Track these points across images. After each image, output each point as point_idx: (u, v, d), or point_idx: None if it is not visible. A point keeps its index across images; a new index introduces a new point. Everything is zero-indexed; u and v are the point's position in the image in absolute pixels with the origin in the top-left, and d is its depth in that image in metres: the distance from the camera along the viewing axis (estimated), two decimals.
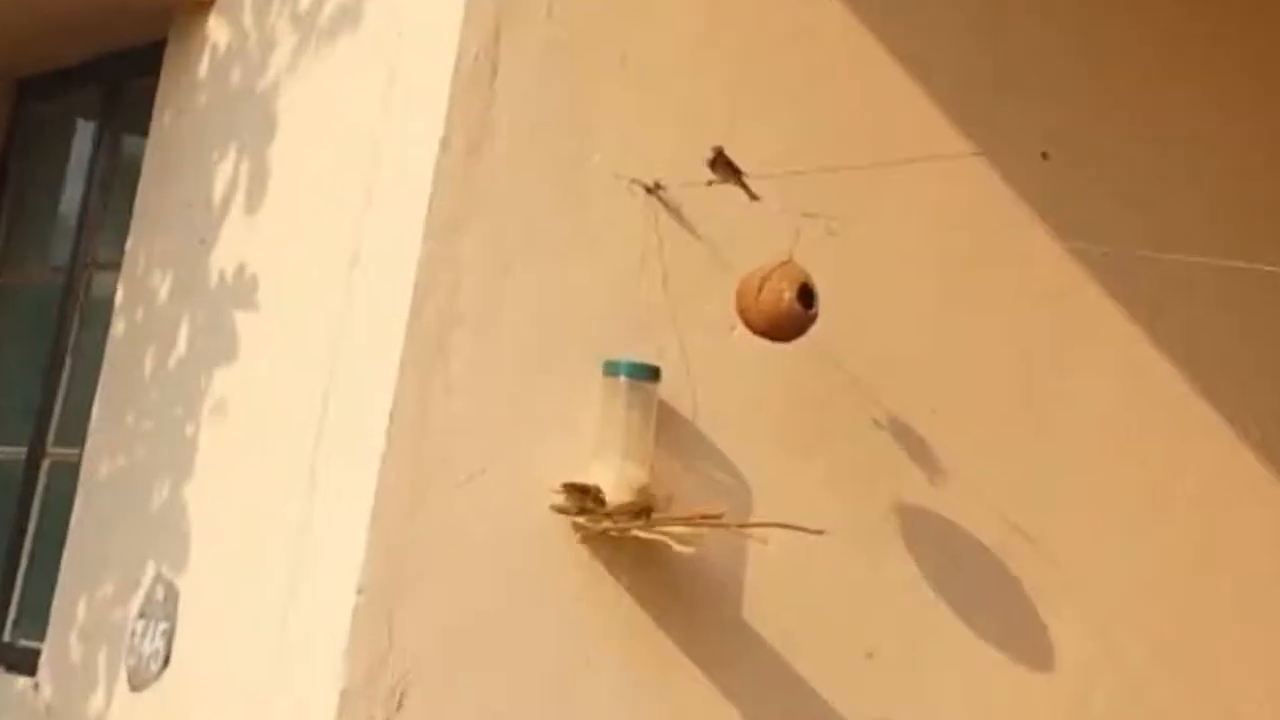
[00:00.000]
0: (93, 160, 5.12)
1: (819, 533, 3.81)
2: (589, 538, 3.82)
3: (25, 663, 4.60)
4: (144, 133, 4.68)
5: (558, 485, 3.78)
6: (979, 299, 4.32)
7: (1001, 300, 4.35)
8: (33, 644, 4.62)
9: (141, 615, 4.17)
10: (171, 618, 4.09)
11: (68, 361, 4.95)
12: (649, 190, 3.92)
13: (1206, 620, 4.56)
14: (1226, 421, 4.57)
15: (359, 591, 3.65)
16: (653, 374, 3.86)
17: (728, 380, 3.99)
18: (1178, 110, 4.59)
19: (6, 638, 4.88)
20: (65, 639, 4.43)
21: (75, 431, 4.70)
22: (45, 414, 4.96)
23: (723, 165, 3.77)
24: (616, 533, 3.80)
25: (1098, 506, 4.45)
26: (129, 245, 4.62)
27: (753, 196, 3.80)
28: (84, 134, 5.24)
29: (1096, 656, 4.39)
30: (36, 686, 4.48)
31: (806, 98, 4.13)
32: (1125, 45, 4.55)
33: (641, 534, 3.79)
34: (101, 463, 4.52)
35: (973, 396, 4.31)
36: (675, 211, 3.95)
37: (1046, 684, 4.34)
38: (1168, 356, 4.51)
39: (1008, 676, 4.29)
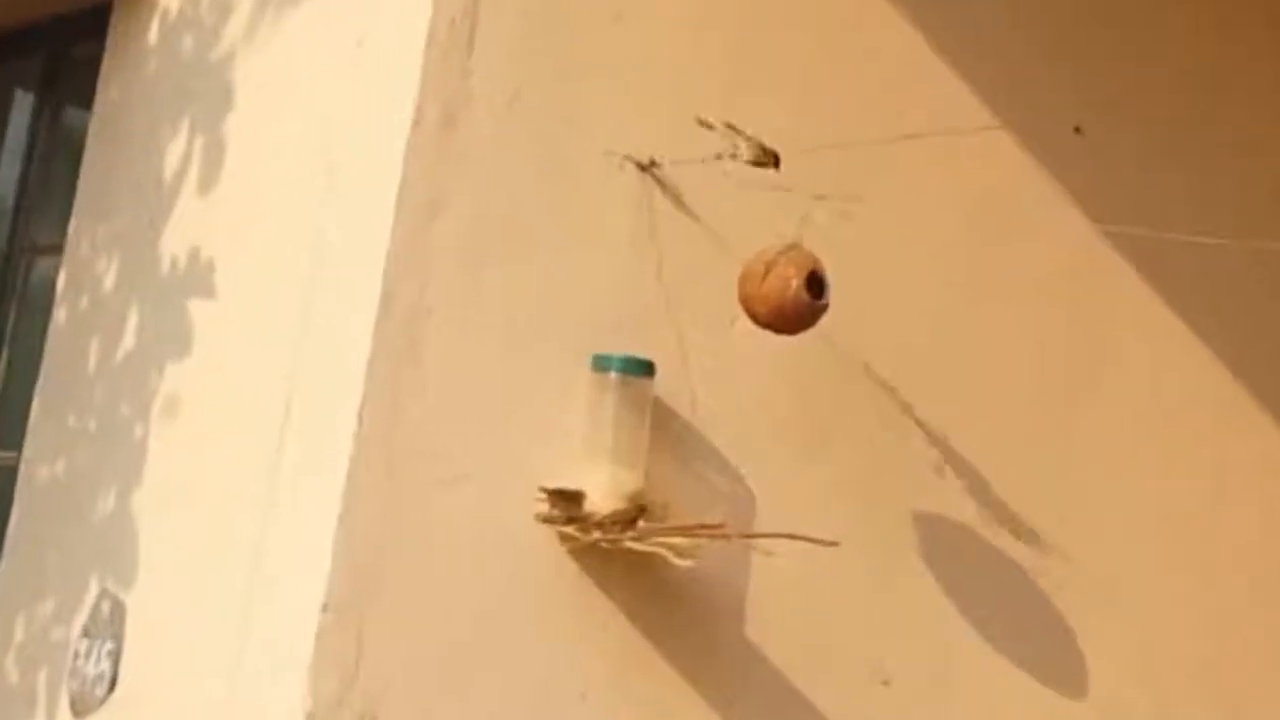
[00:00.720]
0: (32, 134, 5.10)
1: (831, 544, 3.75)
2: (578, 550, 3.77)
3: None
4: (88, 105, 4.66)
5: (542, 490, 3.73)
6: (1005, 287, 4.30)
7: (1030, 289, 4.33)
8: None
9: (85, 634, 4.14)
10: (118, 637, 4.06)
11: (3, 355, 4.95)
12: (643, 168, 3.88)
13: (1255, 648, 4.56)
14: (1277, 421, 4.58)
15: (324, 609, 3.61)
16: (647, 369, 3.81)
17: (729, 377, 3.94)
18: (1226, 79, 4.57)
19: None
20: (1, 661, 4.41)
21: (11, 433, 4.67)
22: None
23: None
24: (608, 544, 3.74)
25: (1135, 516, 4.43)
26: (71, 228, 4.60)
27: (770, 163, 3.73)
28: (22, 106, 5.21)
29: (1131, 683, 4.36)
30: None
31: (817, 66, 4.10)
32: (1167, 5, 4.52)
33: (635, 545, 3.73)
34: (40, 467, 4.50)
35: (997, 394, 4.29)
36: (671, 192, 3.91)
37: (1075, 709, 4.32)
38: (1212, 350, 4.50)
39: (1036, 705, 4.27)
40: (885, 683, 4.09)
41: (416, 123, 3.72)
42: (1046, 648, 4.27)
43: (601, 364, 3.80)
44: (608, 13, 3.90)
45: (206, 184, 4.21)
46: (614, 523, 3.72)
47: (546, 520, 3.74)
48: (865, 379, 4.08)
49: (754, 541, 3.83)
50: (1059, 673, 4.28)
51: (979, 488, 4.20)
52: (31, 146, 5.07)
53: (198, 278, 4.16)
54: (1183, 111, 4.49)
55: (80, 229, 4.57)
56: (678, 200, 3.91)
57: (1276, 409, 4.56)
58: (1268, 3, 4.61)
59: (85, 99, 4.67)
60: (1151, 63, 4.46)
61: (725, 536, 3.76)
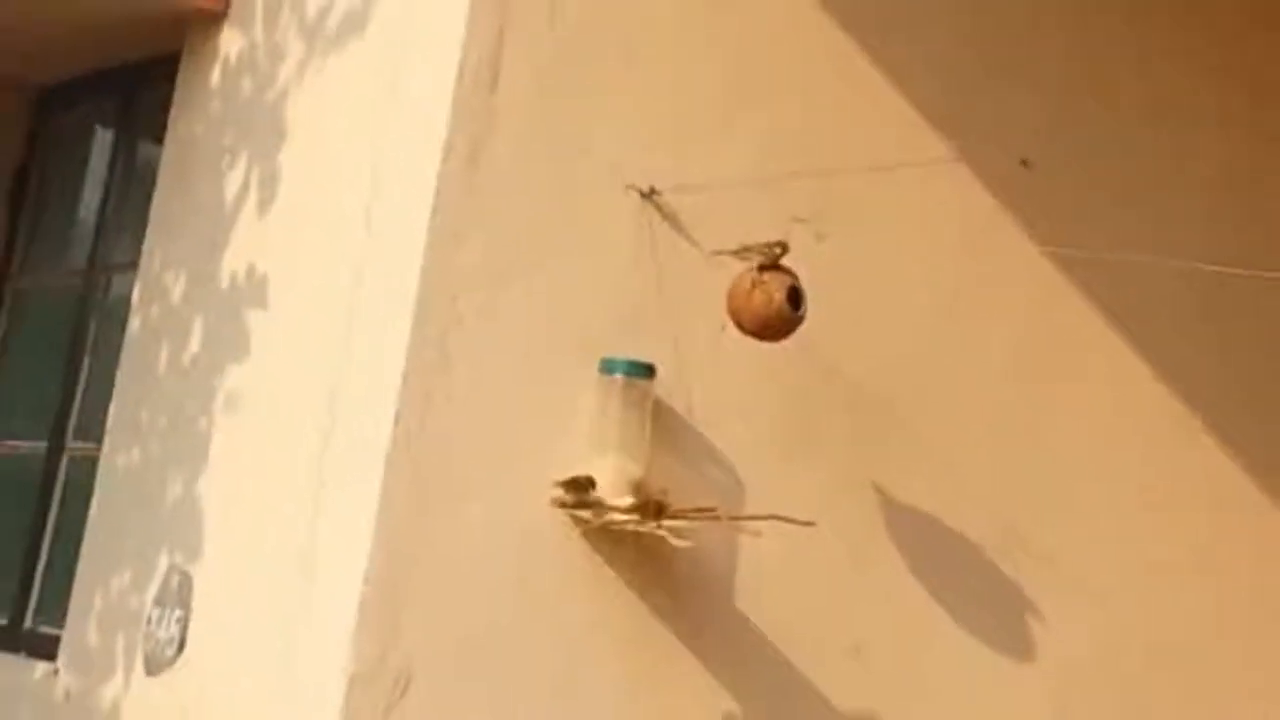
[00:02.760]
0: (110, 166, 5.11)
1: (809, 524, 3.73)
2: (588, 532, 3.77)
3: (45, 649, 4.56)
4: (159, 140, 4.66)
5: (556, 480, 3.71)
6: (966, 302, 4.28)
7: (988, 304, 4.31)
8: (53, 630, 4.58)
9: (157, 603, 4.14)
10: (186, 606, 4.06)
11: (86, 360, 4.92)
12: (644, 195, 3.87)
13: (1198, 620, 4.50)
14: (1213, 427, 4.52)
15: (365, 581, 3.61)
16: (648, 372, 3.80)
17: (721, 378, 3.93)
18: (1162, 115, 4.51)
19: (28, 625, 4.84)
20: (84, 626, 4.39)
21: (93, 427, 4.67)
22: (65, 410, 4.93)
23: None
24: (615, 528, 3.73)
25: (1089, 506, 4.39)
26: (145, 248, 4.59)
27: None
28: (102, 141, 5.22)
29: (1086, 656, 4.33)
30: (56, 671, 4.44)
31: (795, 106, 4.08)
32: (1109, 50, 4.48)
33: (640, 529, 3.72)
34: (118, 457, 4.47)
35: (961, 397, 4.26)
36: (669, 216, 3.89)
37: (1035, 682, 4.28)
38: (1153, 363, 4.45)
39: (995, 674, 4.24)
40: (857, 651, 4.07)
41: (446, 155, 3.72)
42: (1006, 623, 4.24)
43: (608, 367, 3.79)
44: (614, 59, 3.89)
45: (262, 209, 4.20)
46: (634, 512, 3.71)
47: (560, 505, 3.73)
48: (840, 381, 4.05)
49: (742, 524, 3.81)
50: (1017, 647, 4.25)
51: (945, 480, 4.18)
52: (110, 176, 5.07)
53: (254, 291, 4.15)
54: (1123, 144, 4.46)
55: (152, 248, 4.56)
56: (675, 223, 3.90)
57: (1211, 416, 4.51)
58: (1211, 43, 4.58)
59: (157, 135, 4.68)
60: (1092, 100, 4.44)
61: (716, 519, 3.75)
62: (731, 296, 3.73)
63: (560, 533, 3.75)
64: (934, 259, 4.22)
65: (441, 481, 3.68)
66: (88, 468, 4.61)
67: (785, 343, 3.75)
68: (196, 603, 4.02)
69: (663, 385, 3.83)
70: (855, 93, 4.11)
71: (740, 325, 3.73)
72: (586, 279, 3.83)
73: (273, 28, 4.28)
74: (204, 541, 4.07)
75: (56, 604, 4.58)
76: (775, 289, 3.67)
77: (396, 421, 3.64)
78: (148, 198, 4.62)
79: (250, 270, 4.17)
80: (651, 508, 3.70)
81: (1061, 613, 4.27)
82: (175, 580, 4.09)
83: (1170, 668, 4.44)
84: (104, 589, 4.34)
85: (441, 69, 3.75)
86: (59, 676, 4.41)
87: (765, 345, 3.76)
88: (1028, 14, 4.35)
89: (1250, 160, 4.60)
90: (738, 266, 3.75)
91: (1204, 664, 4.48)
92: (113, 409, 4.53)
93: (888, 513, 4.11)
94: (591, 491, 3.70)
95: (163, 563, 4.14)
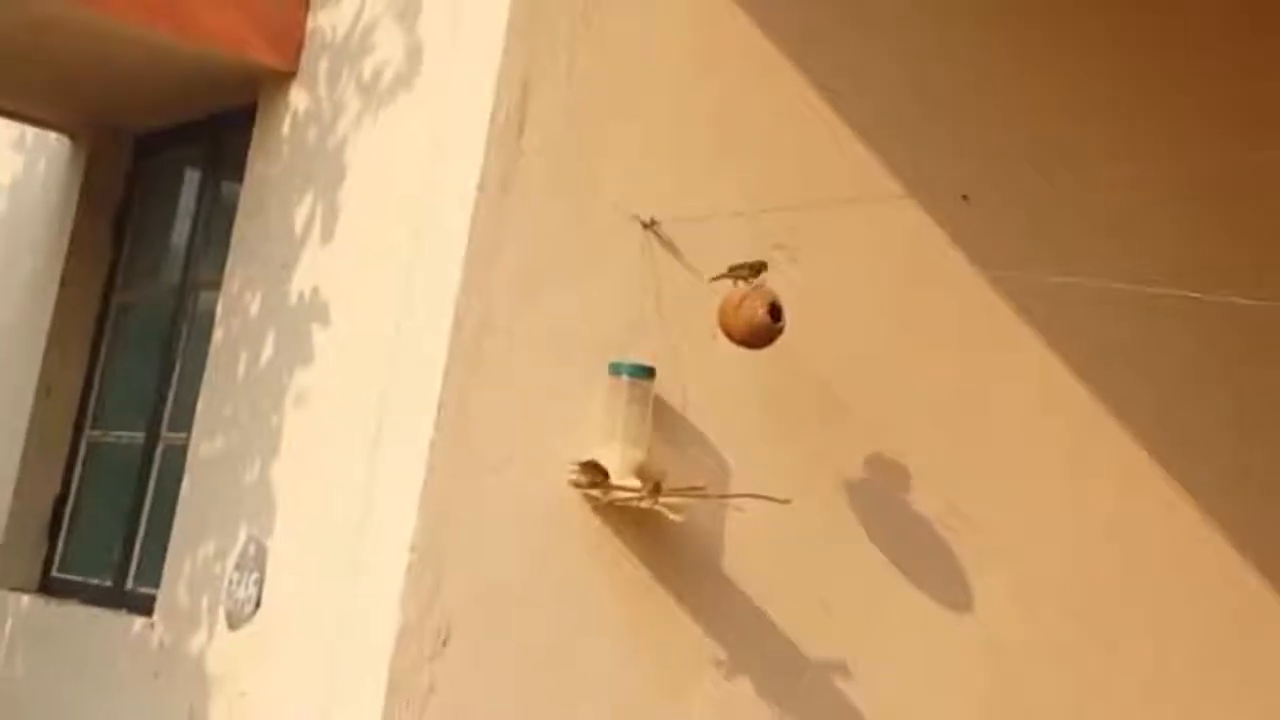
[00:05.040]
0: (198, 201, 5.09)
1: (785, 502, 3.76)
2: (599, 508, 3.76)
3: (143, 606, 4.56)
4: (239, 179, 4.64)
5: (572, 464, 3.71)
6: (914, 314, 4.26)
7: (932, 316, 4.29)
8: (149, 591, 4.58)
9: (237, 568, 4.14)
10: (262, 570, 4.06)
11: (177, 364, 4.91)
12: (645, 225, 3.87)
13: (1106, 579, 4.50)
14: (1121, 417, 4.50)
15: (411, 550, 3.61)
16: (649, 374, 3.80)
17: (711, 379, 3.93)
18: (1082, 155, 4.47)
19: (129, 586, 4.84)
20: (175, 587, 4.39)
21: (184, 420, 4.66)
22: (159, 406, 4.92)
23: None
24: (621, 504, 3.73)
25: (1015, 485, 4.39)
26: (226, 269, 4.58)
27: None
28: (190, 180, 5.19)
29: (1012, 610, 4.33)
30: (152, 625, 4.44)
31: (771, 151, 4.07)
32: (1037, 98, 4.45)
33: (641, 504, 3.71)
34: (204, 445, 4.48)
35: (910, 395, 4.24)
36: (667, 243, 3.88)
37: (970, 630, 4.27)
38: (1071, 365, 4.43)
39: (938, 624, 4.22)
40: (825, 606, 4.07)
41: (480, 189, 3.72)
42: (945, 583, 4.23)
43: (615, 370, 3.80)
44: (620, 112, 3.89)
45: (325, 238, 4.20)
46: (636, 490, 3.69)
47: (576, 486, 3.74)
48: (810, 382, 4.05)
49: (728, 501, 3.83)
50: (955, 601, 4.24)
51: (896, 462, 4.16)
52: (197, 210, 5.05)
53: (317, 307, 4.15)
54: (1048, 181, 4.42)
55: (233, 270, 4.55)
56: (671, 249, 3.89)
57: (1121, 409, 4.49)
58: (1126, 94, 4.57)
59: (237, 175, 4.66)
60: (1023, 143, 4.40)
61: (706, 496, 3.76)
62: (722, 311, 3.75)
63: (575, 508, 3.75)
64: (888, 278, 4.22)
65: (475, 465, 3.67)
66: (179, 455, 4.61)
67: (765, 350, 3.75)
68: (270, 568, 4.03)
69: (662, 385, 3.82)
70: (821, 138, 4.11)
71: (729, 335, 3.74)
72: (597, 294, 3.84)
73: (334, 86, 4.30)
74: (276, 516, 4.07)
75: (153, 569, 4.58)
76: (758, 304, 3.69)
77: (438, 414, 3.64)
78: (229, 227, 4.63)
79: (315, 289, 4.18)
80: (651, 487, 3.70)
81: (991, 574, 4.28)
82: (252, 549, 4.10)
83: (1083, 620, 4.44)
84: (192, 556, 4.35)
85: (476, 119, 3.75)
86: (154, 630, 4.40)
87: (749, 352, 3.77)
88: (968, 71, 4.35)
89: (1149, 190, 4.58)
90: (726, 286, 3.76)
91: (1111, 617, 4.48)
92: (200, 405, 4.53)
93: (849, 490, 4.11)
94: (601, 473, 3.70)
95: (241, 534, 4.15)
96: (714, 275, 3.79)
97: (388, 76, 4.08)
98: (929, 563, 4.20)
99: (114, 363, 5.32)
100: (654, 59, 3.92)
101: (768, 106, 4.05)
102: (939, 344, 4.28)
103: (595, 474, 3.69)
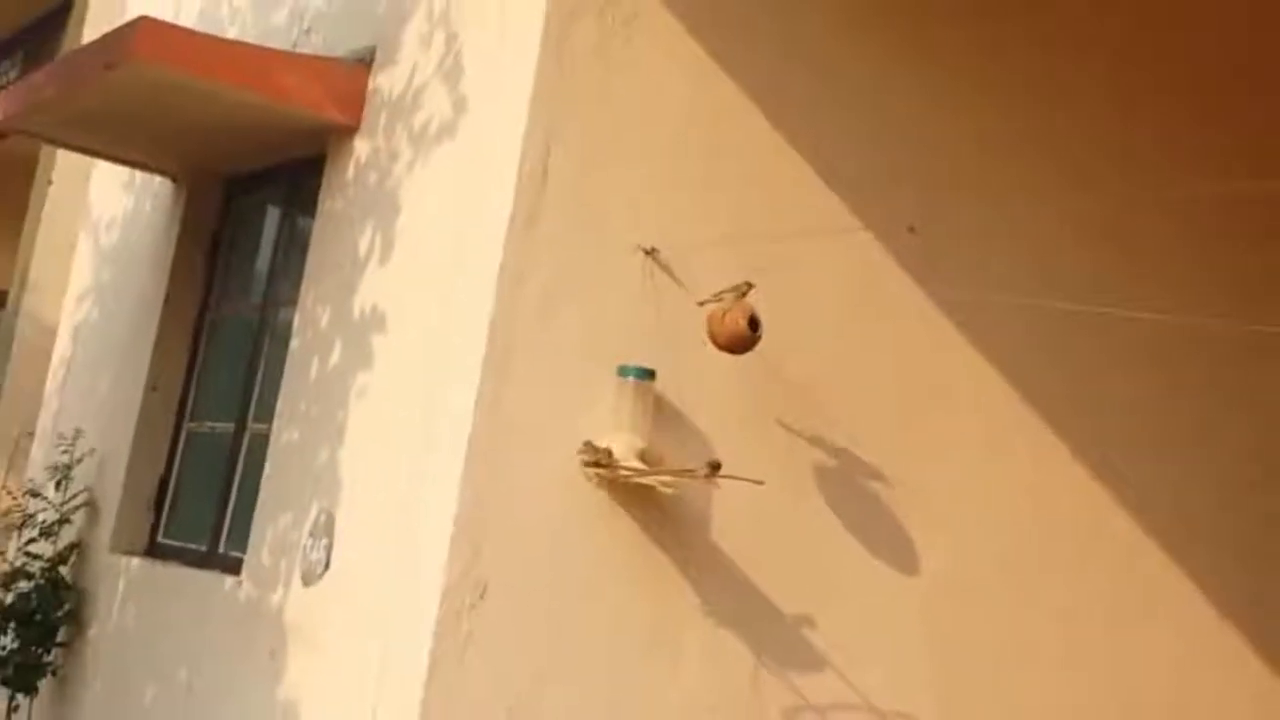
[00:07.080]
0: (278, 232, 5.10)
1: (759, 483, 3.78)
2: (606, 484, 3.78)
3: (233, 567, 4.58)
4: (312, 214, 4.63)
5: (585, 449, 3.73)
6: (869, 324, 4.25)
7: (883, 325, 4.28)
8: (238, 554, 4.60)
9: (310, 535, 4.15)
10: (331, 536, 4.07)
11: (261, 366, 4.92)
12: (647, 252, 3.88)
13: (1026, 540, 4.47)
14: (1039, 410, 4.47)
15: (454, 522, 3.64)
16: (650, 375, 3.82)
17: (701, 380, 3.94)
18: (1015, 193, 4.42)
19: (221, 550, 4.87)
20: (260, 551, 4.41)
21: (266, 413, 4.67)
22: (246, 401, 4.93)
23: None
24: (624, 481, 3.75)
25: (950, 460, 4.35)
26: (302, 289, 4.59)
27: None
28: (272, 215, 5.19)
29: (946, 567, 4.32)
30: (240, 583, 4.46)
31: (750, 189, 4.08)
32: (979, 140, 4.39)
33: (642, 481, 3.75)
34: (283, 434, 4.49)
35: (866, 391, 4.23)
36: (665, 266, 3.90)
37: (911, 585, 4.27)
38: (1001, 370, 4.41)
39: (885, 580, 4.23)
40: (795, 567, 4.08)
41: (510, 222, 3.73)
42: (891, 545, 4.24)
43: (622, 372, 3.82)
44: (626, 158, 3.91)
45: (382, 262, 4.21)
46: (638, 471, 3.70)
47: (588, 465, 3.76)
48: (781, 381, 4.05)
49: (714, 480, 3.80)
50: (899, 561, 4.25)
51: (852, 447, 4.17)
52: (277, 241, 5.07)
53: (376, 320, 4.16)
54: (990, 216, 4.38)
55: (307, 290, 4.56)
56: (668, 272, 3.91)
57: (1042, 405, 4.45)
58: (1056, 132, 4.50)
59: (310, 211, 4.65)
60: (965, 181, 4.35)
61: (696, 477, 3.77)
62: (710, 322, 3.77)
63: (588, 485, 3.76)
64: (846, 296, 4.22)
65: (506, 451, 3.69)
66: (262, 441, 4.62)
67: (746, 355, 3.77)
68: (338, 535, 4.05)
69: (660, 385, 3.84)
70: (792, 180, 4.11)
71: (715, 343, 3.77)
72: (607, 310, 3.84)
73: (390, 136, 4.30)
74: (342, 492, 4.09)
75: (240, 536, 4.59)
76: (740, 317, 3.71)
77: (475, 410, 3.66)
78: (303, 255, 4.64)
79: (374, 306, 4.18)
80: (651, 468, 3.72)
81: (929, 536, 4.28)
82: (323, 519, 4.11)
83: (1007, 576, 4.44)
84: (273, 525, 4.36)
85: (507, 165, 3.76)
86: (242, 587, 4.42)
87: (732, 357, 3.79)
88: (916, 119, 4.31)
89: (1075, 226, 4.51)
90: (713, 303, 3.79)
91: (1032, 573, 4.47)
92: (280, 401, 4.54)
93: (815, 471, 4.12)
94: (603, 452, 3.72)
95: (314, 507, 4.17)
96: (702, 299, 3.79)
97: (434, 129, 4.10)
98: (878, 528, 4.21)
99: (209, 366, 5.34)
100: (653, 116, 3.93)
101: (747, 153, 4.06)
102: (886, 349, 4.27)
103: (596, 453, 3.71)
